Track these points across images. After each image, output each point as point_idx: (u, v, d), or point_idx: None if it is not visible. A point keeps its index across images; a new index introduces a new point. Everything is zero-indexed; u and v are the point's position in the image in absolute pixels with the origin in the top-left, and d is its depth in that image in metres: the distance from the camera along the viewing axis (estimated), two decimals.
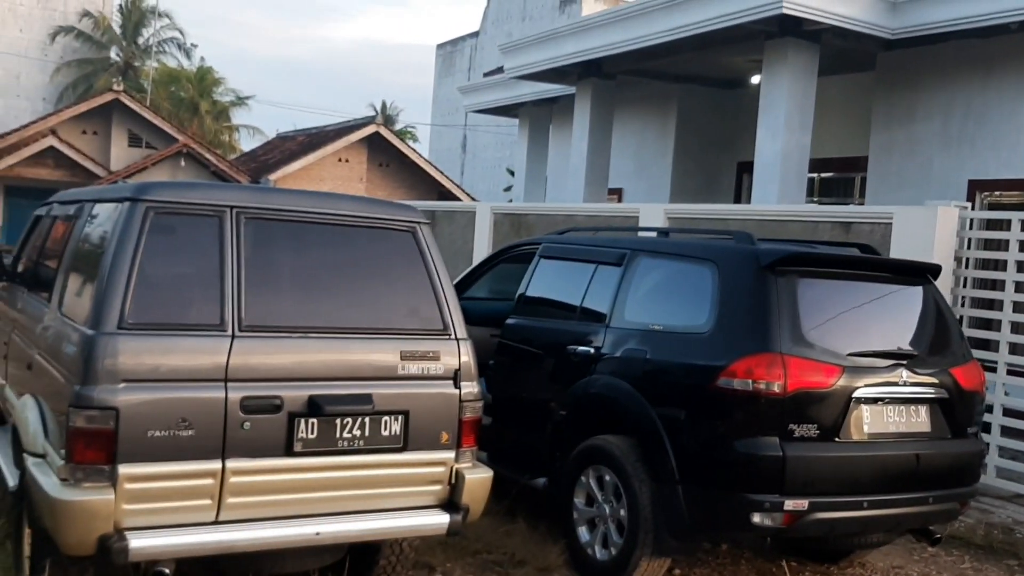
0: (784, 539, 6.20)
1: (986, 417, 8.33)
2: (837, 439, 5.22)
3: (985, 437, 8.24)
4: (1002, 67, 11.72)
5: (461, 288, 8.15)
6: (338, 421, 4.57)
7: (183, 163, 27.44)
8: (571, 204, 14.52)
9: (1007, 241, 8.28)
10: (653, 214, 10.48)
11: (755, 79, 13.76)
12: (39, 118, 29.90)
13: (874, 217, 8.76)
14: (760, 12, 11.51)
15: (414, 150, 32.56)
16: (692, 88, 16.58)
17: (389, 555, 5.35)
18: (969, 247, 8.57)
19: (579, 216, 11.86)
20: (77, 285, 4.80)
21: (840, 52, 12.78)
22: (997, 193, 11.84)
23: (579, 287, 6.52)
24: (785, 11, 11.20)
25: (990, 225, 8.72)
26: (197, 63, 44.51)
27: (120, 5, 41.93)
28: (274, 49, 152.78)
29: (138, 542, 4.11)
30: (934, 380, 5.59)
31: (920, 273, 6.03)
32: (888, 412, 5.40)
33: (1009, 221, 8.33)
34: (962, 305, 8.65)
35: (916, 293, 5.91)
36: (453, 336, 4.96)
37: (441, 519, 4.83)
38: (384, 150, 30.84)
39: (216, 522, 4.33)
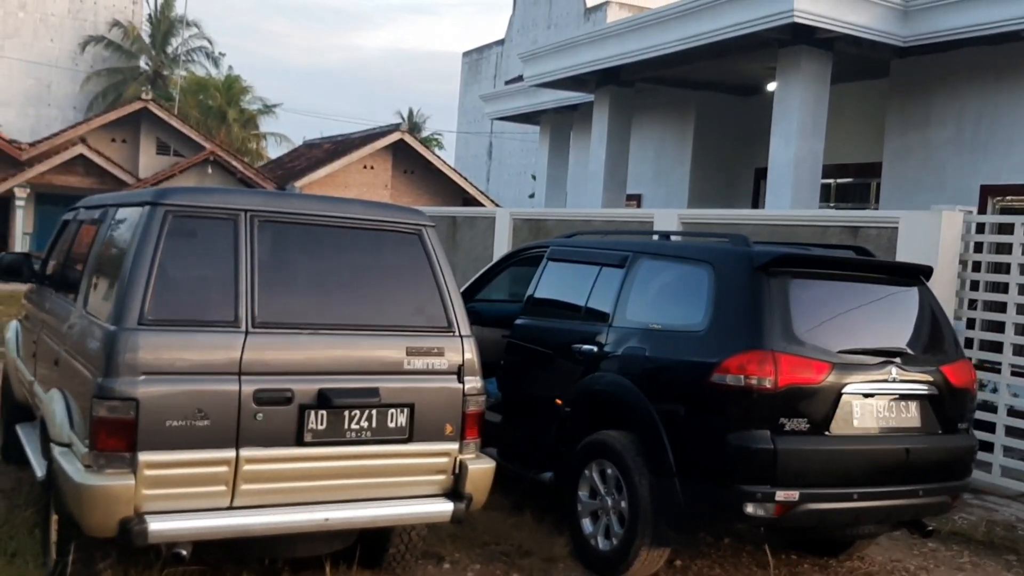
0: (779, 530, 6.39)
1: (991, 417, 8.49)
2: (827, 433, 5.40)
3: (990, 437, 8.42)
4: (1013, 73, 11.86)
5: (474, 290, 8.40)
6: (346, 413, 4.81)
7: (210, 171, 27.81)
8: (588, 209, 14.74)
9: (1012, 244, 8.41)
10: (667, 219, 10.68)
11: (771, 86, 13.94)
12: (69, 127, 30.33)
13: (881, 221, 8.92)
14: (772, 21, 11.71)
15: (439, 157, 32.81)
16: (710, 95, 16.76)
17: (398, 544, 5.58)
18: (981, 250, 8.70)
19: (596, 221, 12.08)
20: (101, 284, 5.08)
21: (855, 59, 12.94)
22: (1009, 198, 11.96)
23: (584, 288, 6.75)
24: (796, 20, 11.40)
25: (1002, 229, 8.85)
26: (225, 72, 45.04)
27: (149, 15, 42.47)
28: (303, 57, 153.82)
29: (157, 525, 4.37)
30: (924, 377, 5.76)
31: (912, 274, 6.20)
32: (878, 407, 5.58)
33: (1013, 225, 8.47)
34: (970, 308, 8.79)
35: (908, 293, 6.08)
36: (457, 333, 5.20)
37: (445, 507, 5.08)
38: (409, 157, 31.12)
39: (231, 507, 4.59)
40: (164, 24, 42.90)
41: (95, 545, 4.68)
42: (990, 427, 8.49)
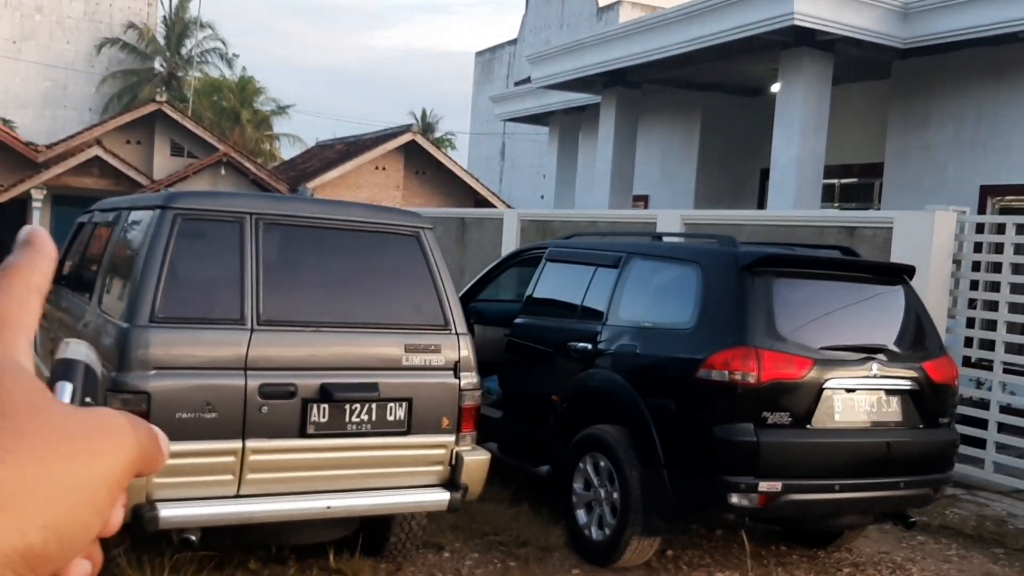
0: (764, 520, 6.61)
1: (984, 414, 8.68)
2: (809, 426, 5.62)
3: (983, 434, 8.60)
4: (1012, 74, 12.01)
5: (477, 290, 8.63)
6: (347, 407, 5.07)
7: (223, 172, 28.01)
8: (594, 210, 14.95)
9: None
10: (670, 220, 10.88)
11: (775, 87, 14.12)
12: (85, 128, 30.55)
13: (876, 222, 9.13)
14: (773, 23, 11.91)
15: (450, 158, 32.91)
16: (716, 96, 16.94)
17: (399, 532, 5.83)
18: (980, 250, 8.88)
19: (601, 222, 12.30)
20: (114, 284, 5.35)
21: (856, 61, 13.12)
22: (1009, 197, 12.13)
23: (580, 288, 7.00)
24: (797, 22, 11.59)
25: (999, 229, 9.02)
26: (239, 73, 45.30)
27: (164, 17, 42.75)
28: (316, 58, 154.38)
29: (168, 512, 4.62)
30: (906, 373, 5.98)
31: (895, 274, 6.41)
32: (859, 402, 5.80)
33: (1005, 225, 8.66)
34: (969, 307, 8.97)
35: (891, 292, 6.30)
36: (453, 331, 5.44)
37: (442, 496, 5.32)
38: (421, 158, 31.27)
39: (237, 496, 4.84)
40: (179, 26, 43.18)
41: None
42: (982, 424, 8.67)
